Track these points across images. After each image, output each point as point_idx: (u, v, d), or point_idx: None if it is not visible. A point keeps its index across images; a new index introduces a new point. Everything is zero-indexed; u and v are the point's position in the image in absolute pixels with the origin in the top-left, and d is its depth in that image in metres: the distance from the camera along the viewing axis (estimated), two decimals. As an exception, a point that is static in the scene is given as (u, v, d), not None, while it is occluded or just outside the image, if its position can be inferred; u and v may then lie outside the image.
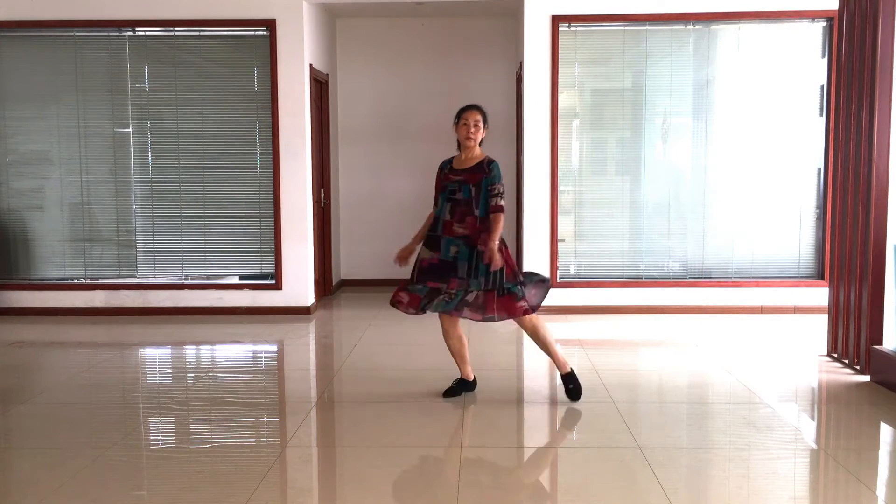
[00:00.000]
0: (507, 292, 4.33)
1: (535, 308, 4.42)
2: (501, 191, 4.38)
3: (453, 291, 4.32)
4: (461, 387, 4.68)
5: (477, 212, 4.33)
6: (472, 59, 8.61)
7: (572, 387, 4.50)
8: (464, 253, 4.32)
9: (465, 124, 4.42)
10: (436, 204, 4.53)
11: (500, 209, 4.35)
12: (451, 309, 4.34)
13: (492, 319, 4.35)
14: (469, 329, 6.50)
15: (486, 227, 4.31)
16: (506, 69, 8.53)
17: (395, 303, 4.47)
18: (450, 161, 4.54)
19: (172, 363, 5.85)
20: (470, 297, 4.32)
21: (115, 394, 4.92)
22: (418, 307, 4.39)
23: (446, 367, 5.31)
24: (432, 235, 4.42)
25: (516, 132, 8.16)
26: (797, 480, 3.54)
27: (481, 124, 4.43)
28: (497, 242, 4.31)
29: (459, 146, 4.51)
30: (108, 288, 7.23)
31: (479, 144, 4.48)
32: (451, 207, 4.37)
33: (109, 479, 3.48)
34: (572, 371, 4.55)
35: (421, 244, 4.54)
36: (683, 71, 7.14)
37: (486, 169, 4.38)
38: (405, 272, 9.55)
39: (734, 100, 7.11)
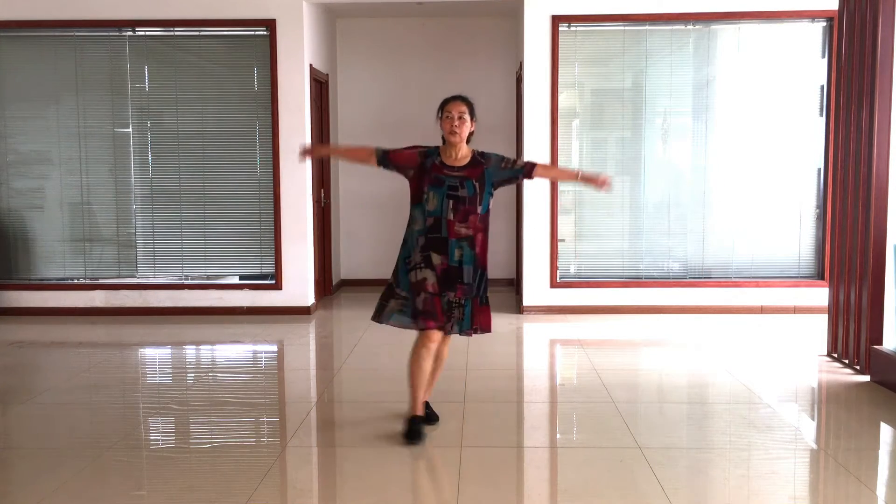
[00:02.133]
0: (485, 302, 4.02)
1: None
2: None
3: (461, 301, 3.92)
4: (422, 423, 4.01)
5: (479, 209, 3.91)
6: (472, 59, 8.61)
7: (415, 428, 3.93)
8: (468, 256, 3.91)
9: (448, 117, 3.91)
10: (383, 155, 3.98)
11: (533, 162, 4.05)
12: (468, 328, 3.96)
13: (474, 331, 4.01)
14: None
15: (485, 227, 3.95)
16: (506, 69, 8.53)
17: (435, 324, 3.94)
18: (437, 152, 3.99)
19: (172, 363, 5.85)
20: (474, 307, 3.97)
21: (115, 394, 4.92)
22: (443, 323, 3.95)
23: (446, 367, 5.29)
24: (436, 237, 3.90)
25: (516, 132, 8.16)
26: (797, 480, 3.54)
27: (467, 117, 3.92)
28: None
29: (444, 141, 4.02)
30: (108, 288, 7.23)
31: (468, 142, 3.99)
32: (454, 205, 3.88)
33: (109, 479, 3.48)
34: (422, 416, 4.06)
35: (419, 238, 3.95)
36: (683, 71, 7.14)
37: (483, 160, 3.97)
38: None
39: (734, 100, 7.11)
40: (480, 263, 3.97)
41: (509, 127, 8.44)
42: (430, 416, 4.15)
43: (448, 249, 3.90)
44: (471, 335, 4.03)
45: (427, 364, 3.96)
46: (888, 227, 5.00)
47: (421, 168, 3.94)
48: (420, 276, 3.91)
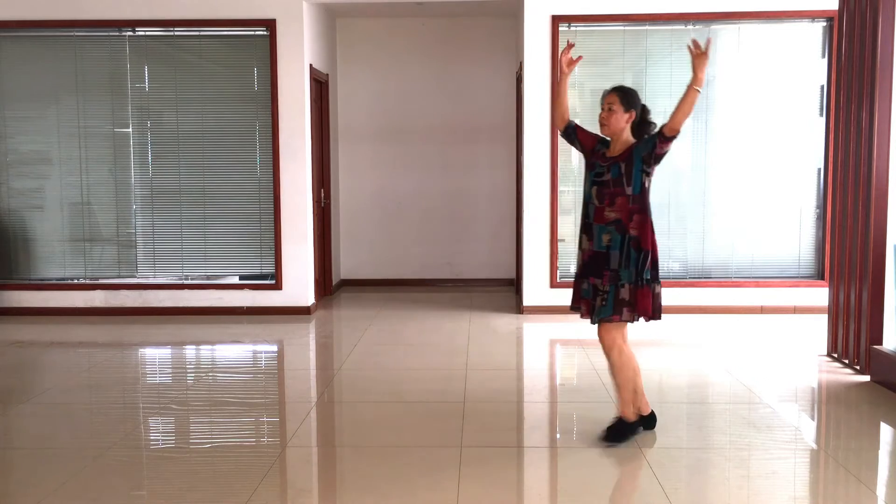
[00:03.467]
0: (644, 283, 3.78)
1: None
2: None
3: (605, 288, 3.78)
4: (619, 424, 3.95)
5: (629, 189, 3.78)
6: (472, 59, 8.61)
7: (611, 428, 3.92)
8: (616, 240, 3.78)
9: (602, 109, 3.91)
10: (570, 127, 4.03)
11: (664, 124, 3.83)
12: (608, 314, 3.78)
13: (632, 318, 3.82)
14: (469, 327, 6.50)
15: (641, 207, 3.79)
16: (506, 69, 8.53)
17: (576, 308, 3.99)
18: (608, 144, 3.95)
19: (172, 363, 5.85)
20: (623, 293, 3.76)
21: (115, 394, 4.92)
22: (590, 315, 3.89)
23: (446, 367, 5.31)
24: (587, 222, 3.89)
25: (516, 132, 8.16)
26: (797, 480, 3.54)
27: (618, 107, 3.85)
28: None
29: None
30: (108, 288, 7.23)
31: (637, 136, 3.89)
32: (599, 191, 3.83)
33: (109, 479, 3.48)
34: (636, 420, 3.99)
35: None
36: (683, 71, 7.08)
37: (635, 143, 3.86)
38: (405, 272, 9.47)
39: (734, 100, 7.11)
40: (641, 246, 3.78)
41: (509, 127, 8.44)
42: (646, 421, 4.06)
43: (594, 234, 3.86)
44: (622, 319, 3.79)
45: (608, 362, 3.99)
46: (888, 227, 5.00)
47: (592, 152, 3.97)
48: (578, 257, 4.02)
